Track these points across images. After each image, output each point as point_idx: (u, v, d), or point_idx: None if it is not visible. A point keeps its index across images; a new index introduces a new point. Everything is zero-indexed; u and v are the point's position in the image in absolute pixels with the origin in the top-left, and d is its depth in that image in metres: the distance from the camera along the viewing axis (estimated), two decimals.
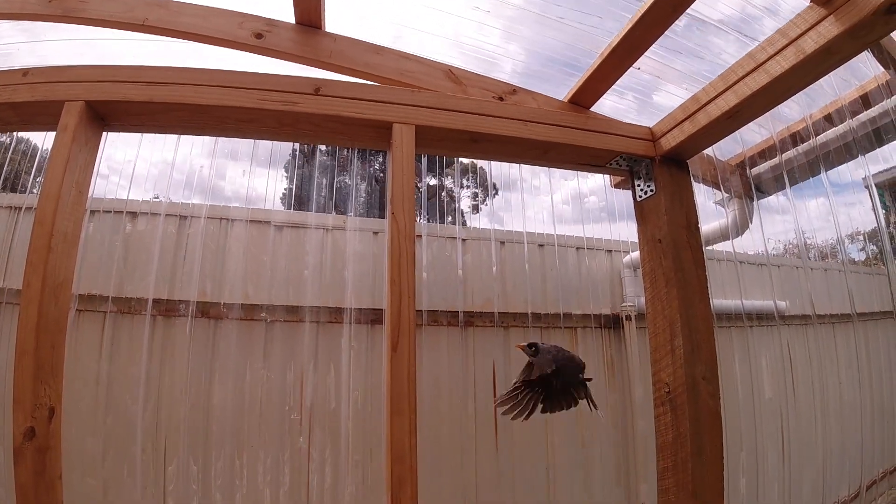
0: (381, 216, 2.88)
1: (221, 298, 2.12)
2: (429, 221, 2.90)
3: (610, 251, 2.90)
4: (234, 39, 1.43)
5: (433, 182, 5.81)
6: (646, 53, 1.48)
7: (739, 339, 2.88)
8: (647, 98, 1.93)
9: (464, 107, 1.41)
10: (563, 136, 1.47)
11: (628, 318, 2.68)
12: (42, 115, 1.38)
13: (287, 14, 1.49)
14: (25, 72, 1.41)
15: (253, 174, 2.39)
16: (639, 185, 1.56)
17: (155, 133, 1.41)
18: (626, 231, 2.81)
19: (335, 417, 2.14)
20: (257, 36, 1.44)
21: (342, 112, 1.30)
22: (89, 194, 1.32)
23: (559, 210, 2.94)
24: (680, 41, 1.68)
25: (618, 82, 1.60)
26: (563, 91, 1.65)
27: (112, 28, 1.57)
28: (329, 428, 2.13)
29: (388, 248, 1.26)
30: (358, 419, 2.16)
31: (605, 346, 2.69)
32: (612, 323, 2.74)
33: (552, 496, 2.40)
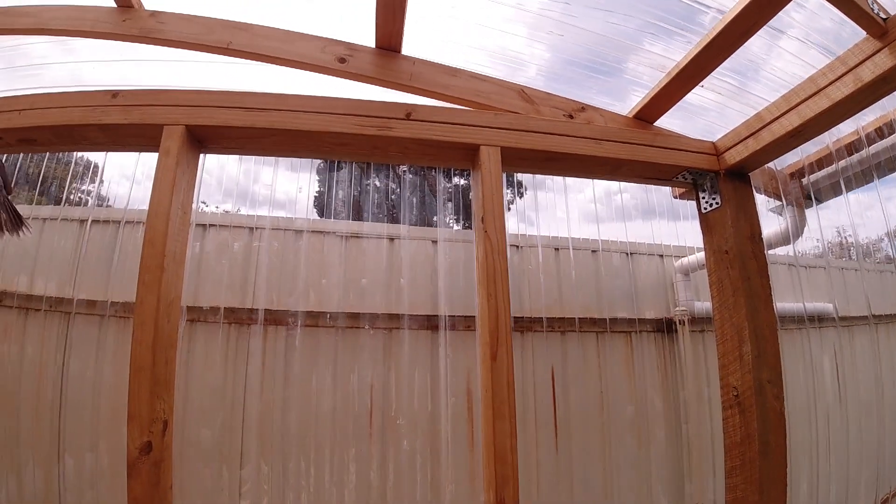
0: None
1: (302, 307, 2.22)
2: (461, 225, 2.95)
3: (661, 256, 2.99)
4: (319, 64, 1.49)
5: (462, 182, 5.83)
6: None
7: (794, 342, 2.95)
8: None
9: (541, 127, 1.47)
10: (633, 153, 1.54)
11: (681, 322, 2.76)
12: (136, 136, 1.42)
13: (362, 37, 1.55)
14: (115, 93, 1.44)
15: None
16: (703, 198, 1.63)
17: (251, 155, 1.46)
18: (666, 228, 2.90)
19: (397, 422, 2.23)
20: (340, 60, 1.49)
21: (434, 136, 1.36)
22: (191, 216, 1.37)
23: (590, 209, 3.01)
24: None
25: None
26: (626, 106, 1.73)
27: (192, 50, 1.61)
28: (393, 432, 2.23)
29: (480, 263, 1.32)
30: (423, 423, 2.25)
31: (659, 350, 2.78)
32: (665, 327, 2.82)
33: (609, 495, 2.48)
